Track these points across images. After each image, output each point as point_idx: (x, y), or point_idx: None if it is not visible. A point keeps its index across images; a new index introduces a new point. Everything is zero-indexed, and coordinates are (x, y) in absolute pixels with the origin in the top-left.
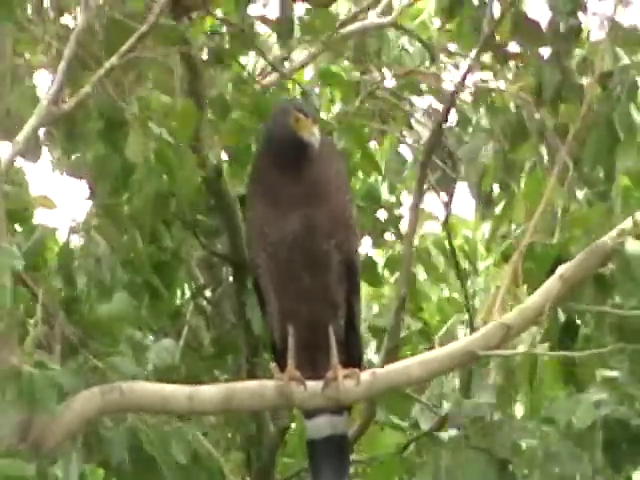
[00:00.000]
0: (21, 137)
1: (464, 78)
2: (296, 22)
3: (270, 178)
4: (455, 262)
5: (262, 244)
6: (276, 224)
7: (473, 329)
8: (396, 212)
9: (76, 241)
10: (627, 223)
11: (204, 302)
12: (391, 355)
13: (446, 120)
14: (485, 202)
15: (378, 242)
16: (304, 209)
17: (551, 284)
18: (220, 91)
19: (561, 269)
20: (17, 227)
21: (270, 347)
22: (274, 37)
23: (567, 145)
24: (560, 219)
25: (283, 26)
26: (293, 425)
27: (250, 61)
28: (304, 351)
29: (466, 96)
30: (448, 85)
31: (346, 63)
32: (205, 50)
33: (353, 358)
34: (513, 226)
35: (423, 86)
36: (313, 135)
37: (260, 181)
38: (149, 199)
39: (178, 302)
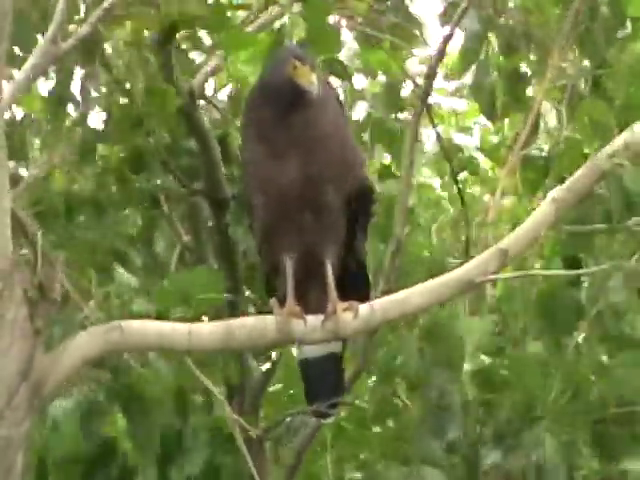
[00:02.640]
0: (21, 76)
1: None
2: None
3: (266, 123)
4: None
5: (260, 187)
6: (274, 170)
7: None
8: None
9: None
10: (619, 141)
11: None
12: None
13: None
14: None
15: None
16: (302, 156)
17: (545, 207)
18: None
19: (554, 192)
20: None
21: (265, 284)
22: None
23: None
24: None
25: None
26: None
27: None
28: (303, 286)
29: None
30: None
31: None
32: None
33: (360, 293)
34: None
35: None
36: (312, 83)
37: (255, 125)
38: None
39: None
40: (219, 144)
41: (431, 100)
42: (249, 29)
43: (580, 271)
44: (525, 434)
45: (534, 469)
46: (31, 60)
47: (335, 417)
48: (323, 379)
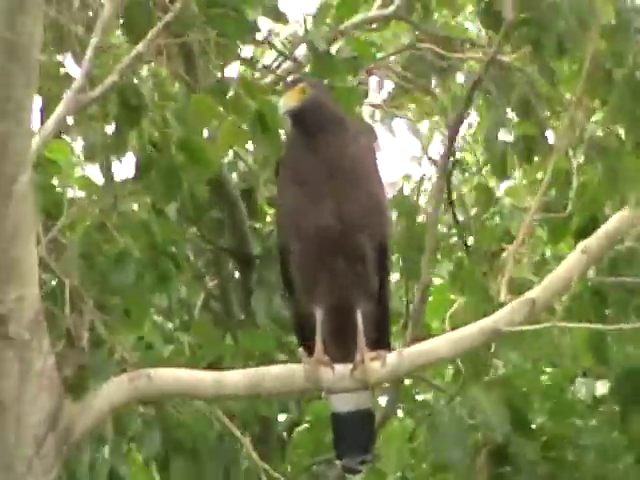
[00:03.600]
0: (49, 124)
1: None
2: None
3: (295, 161)
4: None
5: (294, 232)
6: (309, 214)
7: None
8: None
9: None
10: None
11: (212, 299)
12: (415, 339)
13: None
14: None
15: None
16: (336, 197)
17: (574, 258)
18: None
19: (583, 243)
20: None
21: (297, 332)
22: None
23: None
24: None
25: None
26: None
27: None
28: (332, 335)
29: None
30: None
31: None
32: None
33: (384, 340)
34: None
35: None
36: (284, 106)
37: (287, 163)
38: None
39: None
40: (245, 198)
41: None
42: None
43: (610, 327)
44: None
45: None
46: (59, 109)
47: (363, 473)
48: (353, 434)
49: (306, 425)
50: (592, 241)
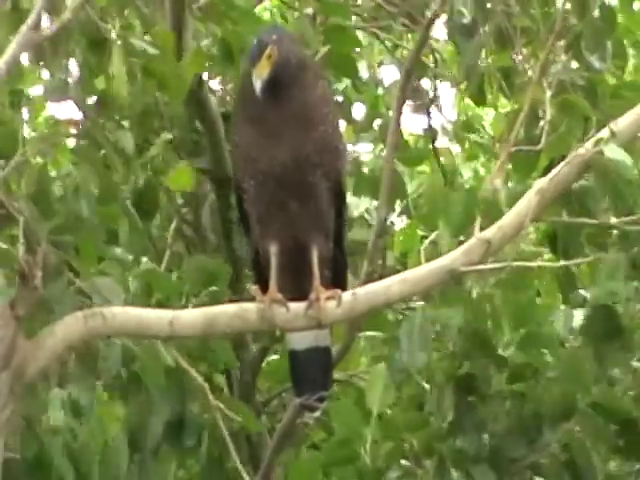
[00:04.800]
0: (2, 62)
1: None
2: None
3: (254, 104)
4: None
5: (249, 171)
6: (264, 153)
7: None
8: None
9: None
10: (604, 132)
11: (185, 226)
12: (369, 280)
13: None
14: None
15: None
16: (291, 139)
17: (529, 198)
18: None
19: (538, 183)
20: None
21: (253, 269)
22: None
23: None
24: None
25: None
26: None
27: None
28: (287, 273)
29: None
30: None
31: None
32: None
33: (340, 280)
34: None
35: None
36: (258, 81)
37: (245, 105)
38: (136, 117)
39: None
40: (226, 121)
41: None
42: None
43: (569, 262)
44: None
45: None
46: (12, 47)
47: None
48: (310, 372)
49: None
50: (546, 181)
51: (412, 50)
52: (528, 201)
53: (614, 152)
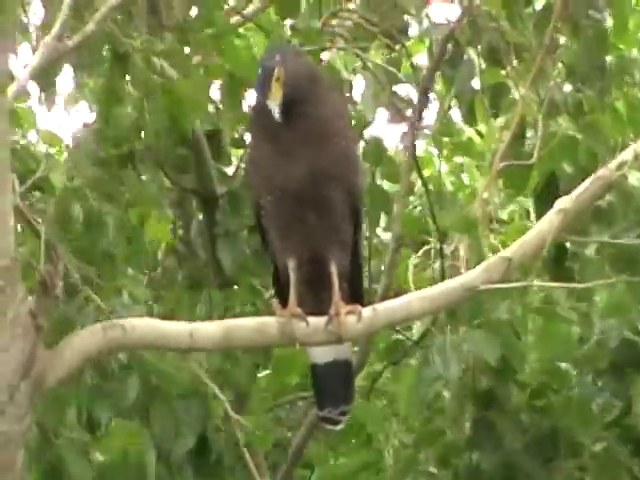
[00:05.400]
0: (26, 73)
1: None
2: None
3: (269, 124)
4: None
5: (266, 187)
6: (280, 170)
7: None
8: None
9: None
10: (627, 154)
11: (176, 240)
12: (387, 293)
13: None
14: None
15: None
16: (307, 154)
17: (550, 217)
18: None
19: (561, 202)
20: None
21: (273, 284)
22: None
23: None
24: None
25: None
26: None
27: None
28: (306, 288)
29: None
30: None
31: None
32: None
33: (357, 294)
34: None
35: None
36: (274, 106)
37: (259, 126)
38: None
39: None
40: (210, 140)
41: None
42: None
43: (582, 285)
44: None
45: None
46: (36, 57)
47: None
48: (332, 385)
49: (268, 371)
50: (568, 201)
51: (429, 65)
52: (550, 220)
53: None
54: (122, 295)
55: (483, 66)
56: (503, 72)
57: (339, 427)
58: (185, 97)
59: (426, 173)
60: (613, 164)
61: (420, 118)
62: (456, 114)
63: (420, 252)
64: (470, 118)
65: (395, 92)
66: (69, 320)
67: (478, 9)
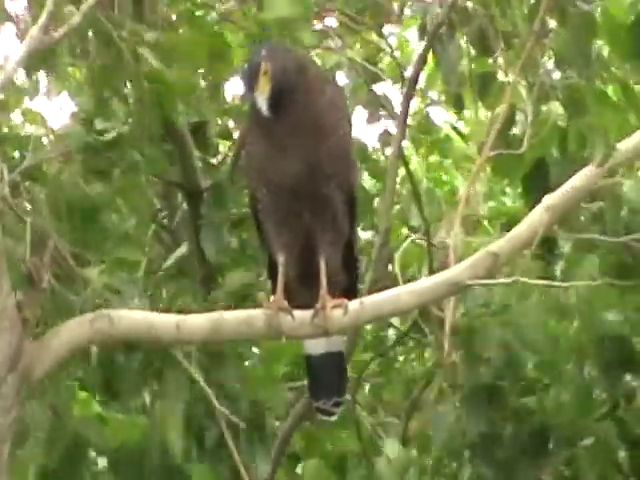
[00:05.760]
0: (12, 64)
1: None
2: None
3: (262, 119)
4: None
5: (262, 181)
6: (275, 165)
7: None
8: None
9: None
10: (618, 155)
11: (161, 230)
12: (374, 287)
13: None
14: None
15: None
16: (302, 149)
17: (538, 214)
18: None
19: (548, 199)
20: None
21: (269, 277)
22: None
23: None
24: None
25: None
26: None
27: None
28: (298, 282)
29: None
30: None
31: None
32: None
33: (353, 286)
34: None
35: None
36: (260, 98)
37: (255, 117)
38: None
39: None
40: (195, 132)
41: None
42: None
43: (567, 284)
44: None
45: None
46: (22, 49)
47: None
48: (326, 377)
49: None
50: (556, 197)
51: (417, 60)
52: (539, 216)
53: (634, 189)
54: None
55: (472, 52)
56: (492, 60)
57: (333, 418)
58: (173, 86)
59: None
60: (605, 166)
61: (407, 114)
62: (434, 112)
63: (405, 244)
64: (457, 103)
65: (373, 91)
66: (66, 307)
67: None
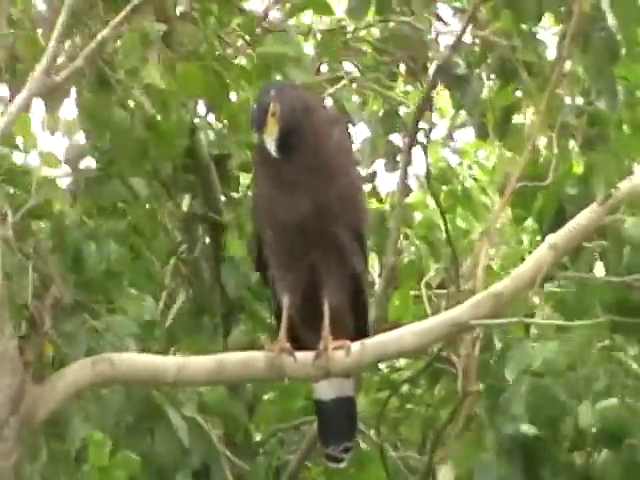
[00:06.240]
0: (14, 107)
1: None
2: None
3: (269, 156)
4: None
5: (269, 221)
6: (284, 203)
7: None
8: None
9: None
10: (619, 192)
11: (181, 263)
12: (379, 324)
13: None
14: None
15: None
16: (311, 189)
17: (542, 253)
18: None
19: (551, 238)
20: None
21: (275, 318)
22: None
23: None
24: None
25: None
26: None
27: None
28: (302, 323)
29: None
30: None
31: None
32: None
33: (364, 328)
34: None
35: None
36: (270, 143)
37: (262, 161)
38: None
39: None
40: (217, 164)
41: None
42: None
43: (576, 323)
44: None
45: None
46: (25, 92)
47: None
48: (335, 422)
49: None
50: (560, 235)
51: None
52: (541, 255)
53: (635, 226)
54: (122, 314)
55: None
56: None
57: (342, 465)
58: (164, 133)
59: (419, 216)
60: (607, 204)
61: (410, 153)
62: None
63: (423, 282)
64: (482, 133)
65: (391, 141)
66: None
67: (487, 23)
